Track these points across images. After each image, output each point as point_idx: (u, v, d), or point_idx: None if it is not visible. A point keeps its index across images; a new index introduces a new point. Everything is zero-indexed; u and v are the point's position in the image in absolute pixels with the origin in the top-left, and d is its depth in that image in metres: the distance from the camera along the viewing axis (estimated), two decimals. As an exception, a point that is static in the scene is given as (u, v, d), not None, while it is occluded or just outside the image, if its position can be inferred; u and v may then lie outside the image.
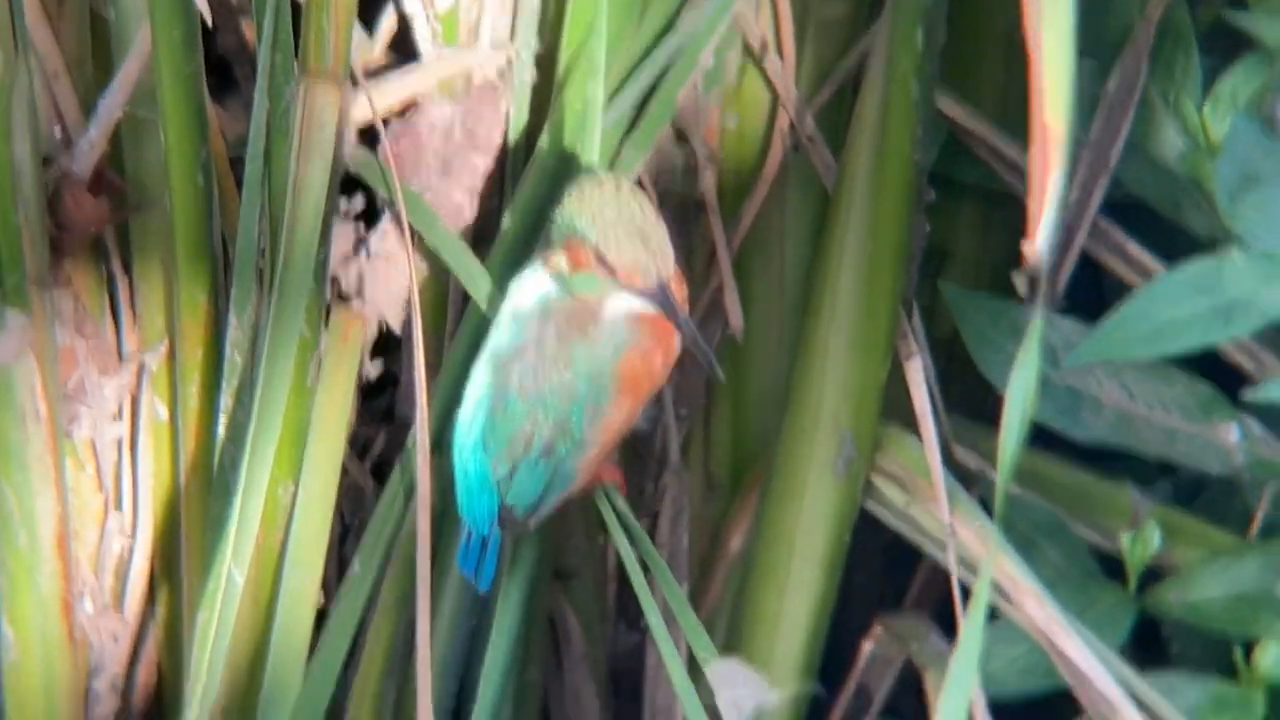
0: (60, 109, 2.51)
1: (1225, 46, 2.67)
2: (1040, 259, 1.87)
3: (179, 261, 2.47)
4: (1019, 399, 1.83)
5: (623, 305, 2.22)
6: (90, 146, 2.48)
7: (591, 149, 2.44)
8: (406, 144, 2.53)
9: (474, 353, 2.29)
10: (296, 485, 2.42)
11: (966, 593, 2.36)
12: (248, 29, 2.69)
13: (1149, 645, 2.65)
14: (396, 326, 2.56)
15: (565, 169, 2.45)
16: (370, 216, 2.57)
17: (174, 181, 2.44)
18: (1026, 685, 2.51)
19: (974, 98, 2.74)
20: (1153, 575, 2.56)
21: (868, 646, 2.65)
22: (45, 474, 2.48)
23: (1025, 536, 2.58)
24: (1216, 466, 2.58)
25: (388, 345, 2.59)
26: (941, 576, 2.67)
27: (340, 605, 2.40)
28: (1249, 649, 2.48)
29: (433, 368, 2.49)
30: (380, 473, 2.62)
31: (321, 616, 2.44)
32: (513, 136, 2.53)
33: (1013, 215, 2.46)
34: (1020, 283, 1.96)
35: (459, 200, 2.53)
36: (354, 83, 2.46)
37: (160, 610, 2.61)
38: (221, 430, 2.44)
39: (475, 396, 2.27)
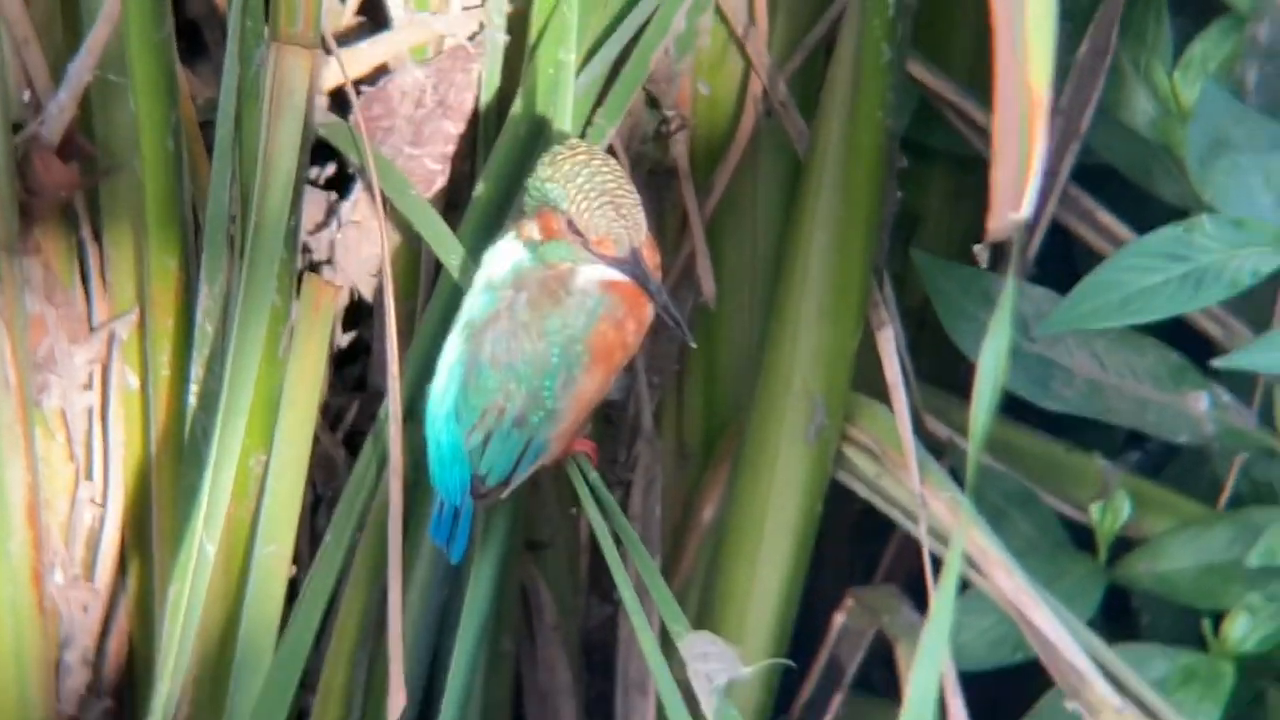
0: (29, 73, 2.49)
1: (1195, 12, 2.67)
2: (1010, 229, 1.87)
3: (149, 228, 2.45)
4: (991, 369, 1.83)
5: (595, 273, 2.21)
6: (60, 111, 2.46)
7: (563, 115, 2.43)
8: (378, 110, 2.52)
9: (446, 322, 2.28)
10: (268, 455, 2.42)
11: (938, 564, 2.38)
12: (218, -7, 2.68)
13: (1119, 617, 2.67)
14: (368, 295, 2.55)
15: (537, 135, 2.44)
16: (342, 184, 2.56)
17: (144, 147, 2.43)
18: (996, 657, 2.52)
19: (946, 63, 2.74)
20: (1123, 546, 2.57)
21: (839, 618, 2.66)
22: (15, 443, 2.46)
23: (996, 507, 2.59)
24: (1186, 436, 2.59)
25: (360, 314, 2.59)
26: (913, 548, 2.69)
27: (313, 576, 2.39)
28: (1218, 620, 2.50)
29: (405, 337, 2.48)
30: (352, 443, 2.61)
31: (294, 587, 2.44)
32: (484, 102, 2.52)
33: (984, 181, 2.45)
34: (982, 254, 1.96)
35: (431, 167, 2.52)
36: (325, 48, 2.44)
37: (131, 581, 2.60)
38: (193, 400, 2.43)
39: (448, 366, 2.26)
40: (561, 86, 2.43)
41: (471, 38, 2.53)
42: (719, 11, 2.59)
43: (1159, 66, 2.63)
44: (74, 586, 2.58)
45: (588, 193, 2.18)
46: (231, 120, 2.37)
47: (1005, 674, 2.53)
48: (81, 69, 2.45)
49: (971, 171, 2.81)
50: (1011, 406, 2.57)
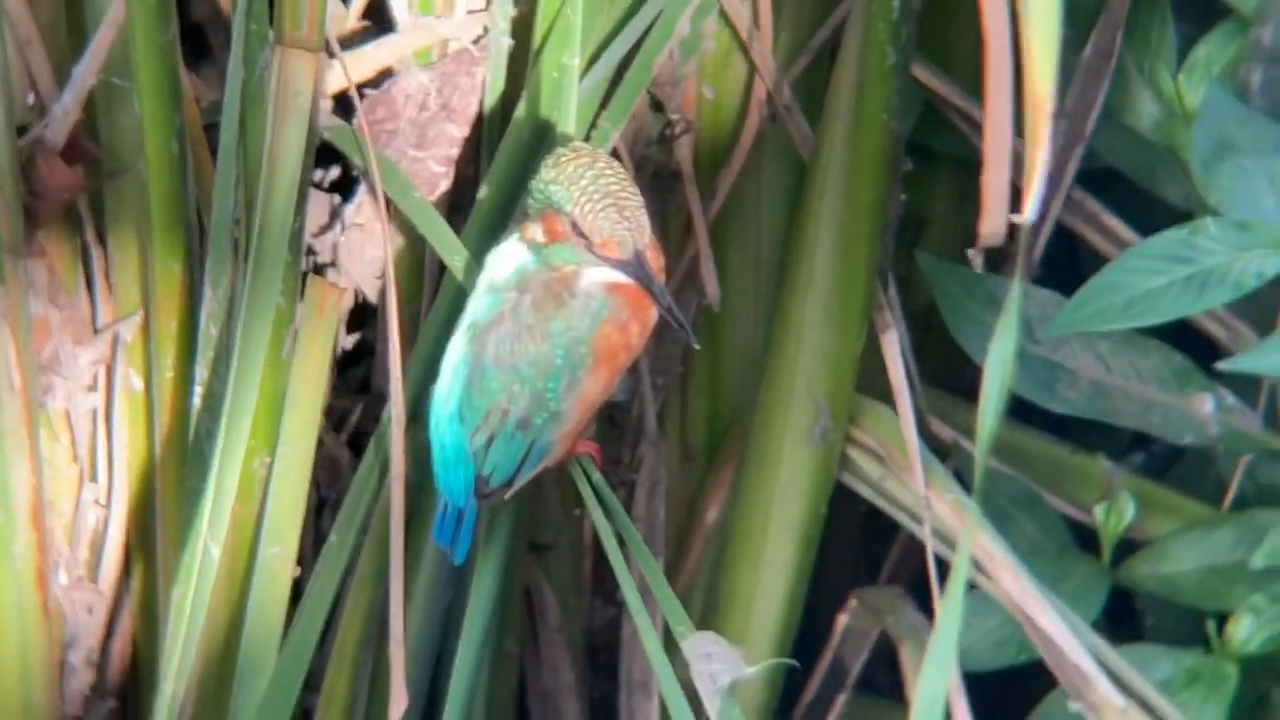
0: (34, 76, 2.50)
1: (1200, 15, 2.67)
2: (1003, 233, 1.87)
3: (153, 231, 2.46)
4: (997, 372, 1.83)
5: (599, 276, 2.22)
6: (64, 113, 2.47)
7: (567, 118, 2.43)
8: (382, 113, 2.52)
9: (450, 324, 2.28)
10: (272, 457, 2.42)
11: (942, 565, 2.38)
12: (222, -4, 2.68)
13: (1123, 618, 2.67)
14: (373, 297, 2.56)
15: (541, 138, 2.44)
16: (346, 187, 2.57)
17: (148, 149, 2.44)
18: (1001, 658, 2.52)
19: (950, 67, 2.74)
20: (1127, 547, 2.57)
21: (843, 619, 2.66)
22: (19, 445, 2.47)
23: (1001, 509, 2.59)
24: (1191, 438, 2.59)
25: (364, 316, 2.59)
26: (917, 549, 2.68)
27: (317, 577, 2.40)
28: (1222, 621, 2.49)
29: (409, 339, 2.48)
30: (356, 444, 2.62)
31: (298, 588, 2.44)
32: (488, 105, 2.52)
33: (990, 185, 2.46)
34: (976, 258, 1.96)
35: (435, 170, 2.52)
36: (329, 51, 2.45)
37: (135, 582, 2.61)
38: (197, 401, 2.43)
39: (451, 368, 2.26)
40: (565, 90, 2.43)
41: (476, 41, 2.53)
42: (723, 15, 2.60)
43: (1163, 70, 2.63)
44: (78, 588, 2.58)
45: (591, 195, 2.18)
46: (236, 123, 2.37)
47: (1009, 675, 2.53)
48: (86, 72, 2.46)
49: (976, 174, 2.79)
50: (1016, 409, 2.57)
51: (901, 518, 2.53)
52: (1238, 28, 2.62)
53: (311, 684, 2.44)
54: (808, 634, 2.65)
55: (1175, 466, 2.77)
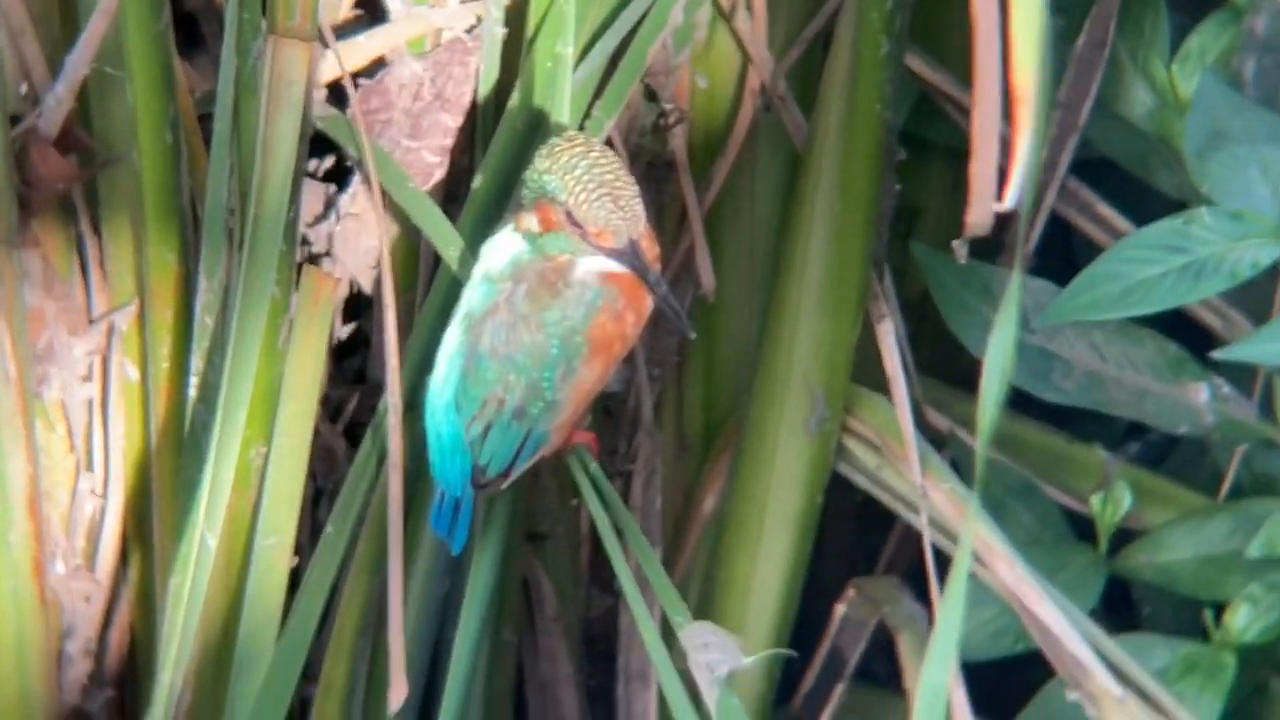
0: (27, 65, 2.49)
1: (1193, 4, 2.67)
2: (987, 223, 1.87)
3: (148, 221, 2.45)
4: (997, 364, 1.83)
5: (594, 265, 2.21)
6: (57, 103, 2.46)
7: (561, 107, 2.43)
8: (375, 102, 2.52)
9: (446, 314, 2.28)
10: (268, 447, 2.42)
11: (939, 555, 2.38)
12: (216, -15, 2.67)
13: (1120, 607, 2.67)
14: (368, 287, 2.55)
15: (535, 128, 2.44)
16: (340, 176, 2.56)
17: (142, 139, 2.43)
18: (998, 648, 2.53)
19: (944, 57, 2.74)
20: (1124, 537, 2.58)
21: (840, 609, 2.66)
22: (15, 435, 2.46)
23: (997, 499, 2.59)
24: (1186, 427, 2.59)
25: (359, 306, 2.58)
26: (913, 539, 2.69)
27: (314, 567, 2.39)
28: (1219, 610, 2.50)
29: (404, 329, 2.48)
30: (353, 434, 2.61)
31: (295, 578, 2.44)
32: (482, 95, 2.52)
33: (984, 175, 2.46)
34: (960, 249, 1.97)
35: (429, 159, 2.52)
36: (322, 41, 2.44)
37: (132, 572, 2.60)
38: (193, 391, 2.43)
39: (447, 357, 2.26)
40: (559, 79, 2.43)
41: (469, 31, 2.53)
42: (716, 5, 2.59)
43: (1157, 59, 2.64)
44: (75, 577, 2.58)
45: (586, 184, 2.18)
46: (229, 113, 2.37)
47: (1007, 664, 2.53)
48: (79, 61, 2.45)
49: (970, 164, 2.80)
50: (1011, 398, 2.56)
51: (898, 507, 2.53)
52: (1231, 17, 2.63)
53: (309, 673, 2.43)
54: (805, 623, 2.65)
55: (1171, 456, 2.78)
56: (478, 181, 2.45)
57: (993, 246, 2.69)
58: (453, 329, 2.26)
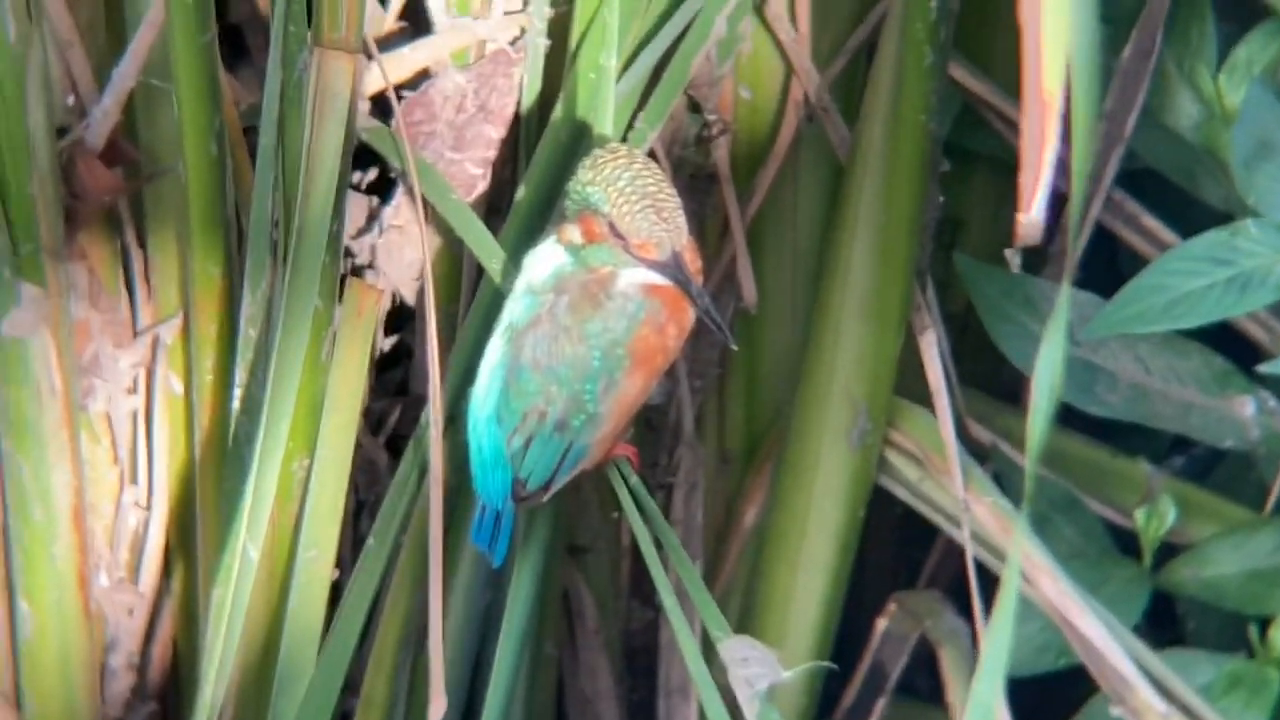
0: (74, 78, 2.50)
1: (1241, 14, 2.66)
2: (1035, 232, 1.86)
3: (193, 233, 2.46)
4: (1046, 378, 1.82)
5: (636, 277, 2.21)
6: (104, 115, 2.47)
7: (605, 119, 2.43)
8: (419, 114, 2.52)
9: (488, 326, 2.28)
10: (311, 459, 2.42)
11: (981, 569, 2.37)
12: (261, -2, 2.69)
13: (1164, 622, 2.66)
14: (411, 299, 2.56)
15: (578, 140, 2.44)
16: (384, 188, 2.57)
17: (187, 151, 2.44)
18: (1041, 663, 2.52)
19: (988, 67, 2.73)
20: (1168, 551, 2.56)
21: (882, 623, 2.65)
22: (60, 448, 2.48)
23: (1040, 512, 2.58)
24: (1232, 440, 2.58)
25: (402, 318, 2.59)
26: (956, 553, 2.68)
27: (356, 580, 2.40)
28: (1264, 626, 2.48)
29: (447, 341, 2.48)
30: (395, 447, 2.62)
31: (336, 591, 2.44)
32: (526, 106, 2.52)
33: (1027, 186, 2.45)
34: (1013, 258, 1.95)
35: (472, 171, 2.53)
36: (367, 53, 2.45)
37: (176, 584, 2.61)
38: (236, 404, 2.44)
39: (489, 370, 2.26)
40: (603, 91, 2.43)
41: (513, 42, 2.53)
42: (760, 16, 2.59)
43: (1203, 70, 2.62)
44: (119, 590, 2.59)
45: (629, 196, 2.18)
46: (275, 125, 2.38)
47: (1050, 679, 2.52)
48: (125, 74, 2.46)
49: (1014, 175, 2.79)
50: (1055, 411, 2.56)
51: (940, 521, 2.53)
52: (1278, 27, 2.61)
53: (350, 686, 2.44)
54: (846, 638, 2.64)
55: (1216, 470, 2.76)
56: (521, 193, 2.45)
57: (1036, 258, 2.69)
58: (495, 341, 2.26)
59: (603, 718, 2.71)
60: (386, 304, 2.55)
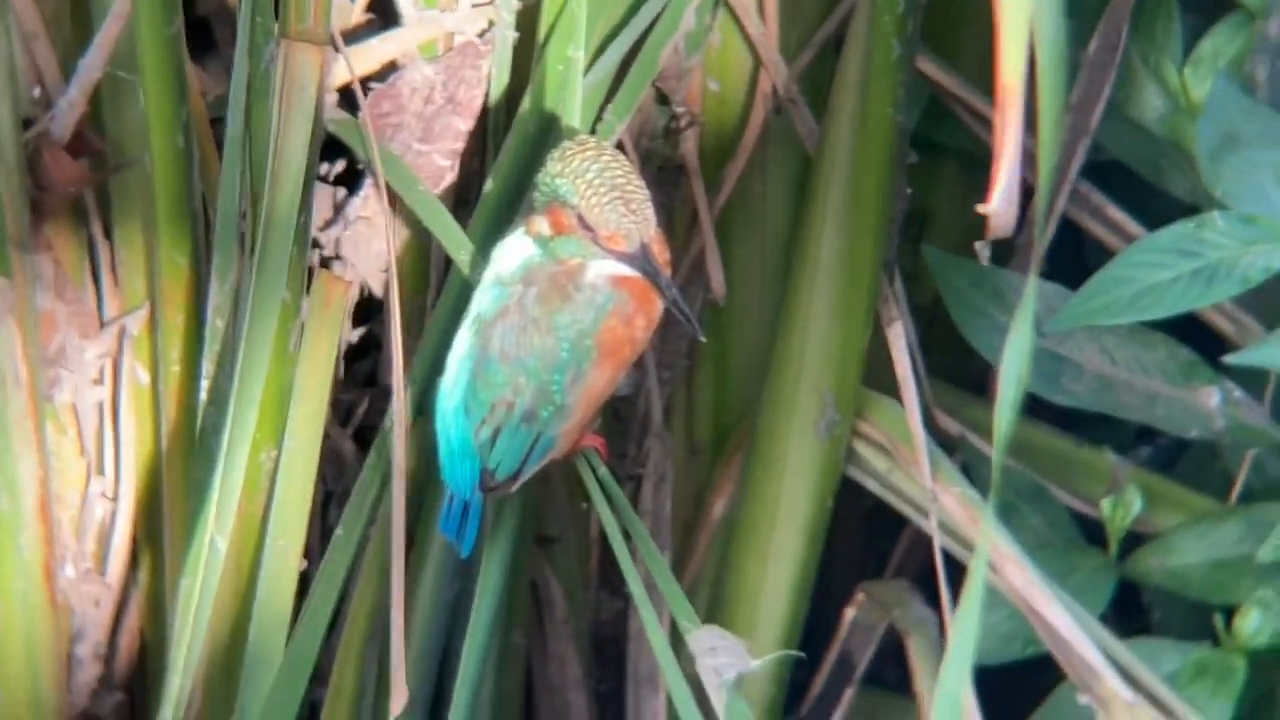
0: (39, 69, 2.50)
1: (1206, 7, 2.67)
2: (1007, 224, 1.86)
3: (159, 224, 2.46)
4: (1014, 369, 1.83)
5: (605, 269, 2.21)
6: (70, 107, 2.47)
7: (573, 111, 2.43)
8: (387, 106, 2.52)
9: (456, 317, 2.28)
10: (279, 451, 2.42)
11: (949, 559, 2.38)
12: (228, -11, 2.68)
13: (1130, 611, 2.67)
14: (379, 291, 2.55)
15: (547, 131, 2.44)
16: (352, 180, 2.56)
17: (154, 143, 2.43)
18: (1008, 652, 2.52)
19: (956, 60, 2.74)
20: (1134, 541, 2.57)
21: (850, 613, 2.65)
22: (26, 438, 2.47)
23: (1007, 502, 2.59)
24: (1197, 431, 2.59)
25: (370, 310, 2.59)
26: (924, 542, 2.68)
27: (323, 570, 2.39)
28: (1229, 615, 2.49)
29: (415, 332, 2.48)
30: (363, 438, 2.62)
31: (304, 582, 2.44)
32: (494, 98, 2.52)
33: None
34: (982, 251, 1.96)
35: (440, 163, 2.52)
36: (334, 45, 2.44)
37: (143, 575, 2.61)
38: (203, 395, 2.43)
39: (457, 361, 2.26)
40: (570, 83, 2.43)
41: (481, 34, 2.53)
42: (729, 8, 2.59)
43: (1169, 63, 2.63)
44: (85, 580, 2.58)
45: (597, 188, 2.18)
46: (241, 117, 2.37)
47: (1017, 668, 2.53)
48: (91, 65, 2.46)
49: (982, 168, 2.78)
50: (1022, 402, 2.57)
51: (908, 511, 2.53)
52: (1244, 20, 2.62)
53: (319, 677, 2.44)
54: (814, 628, 2.65)
55: (1181, 460, 2.77)
56: (489, 185, 2.45)
57: (1004, 250, 2.69)
58: (463, 332, 2.26)
59: (571, 708, 2.71)
60: (355, 295, 2.54)
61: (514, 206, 2.43)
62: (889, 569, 2.86)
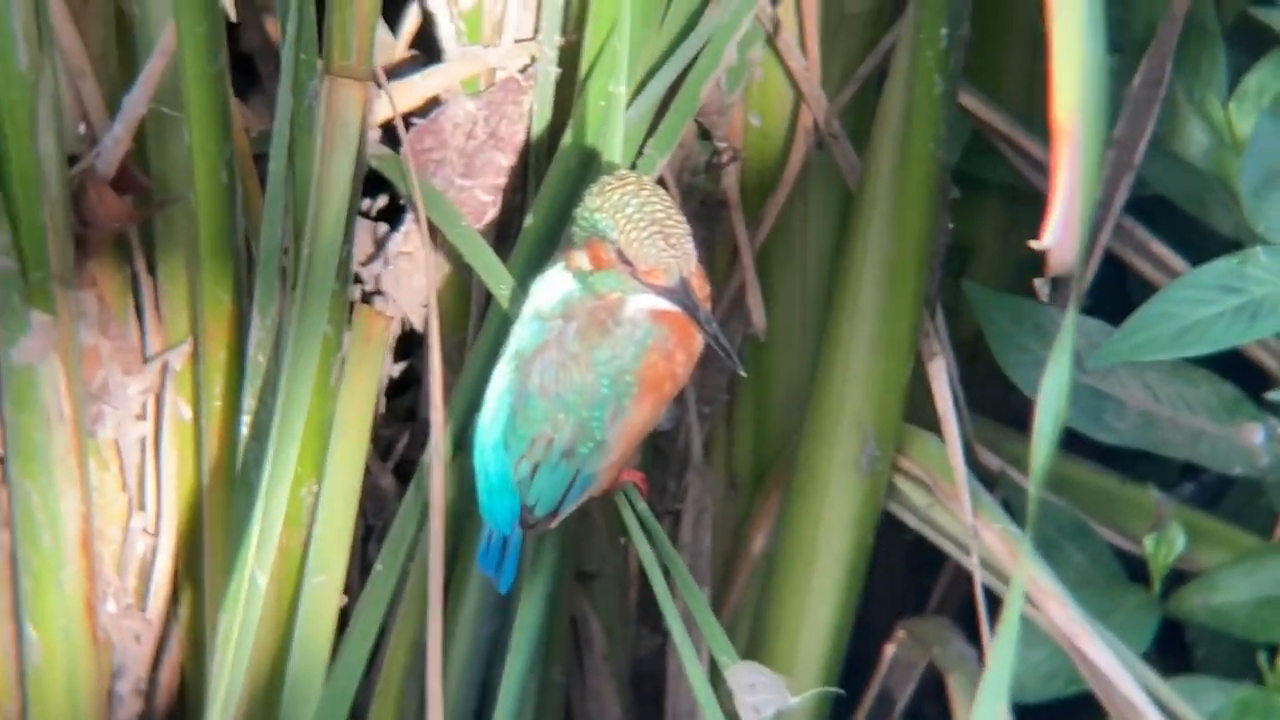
0: (85, 106, 2.51)
1: (1251, 43, 2.66)
2: (1062, 259, 1.85)
3: (202, 260, 2.47)
4: (1051, 404, 1.82)
5: (644, 303, 2.21)
6: (115, 143, 2.48)
7: (614, 146, 2.43)
8: (429, 142, 2.53)
9: (496, 352, 2.28)
10: (319, 486, 2.42)
11: (990, 596, 2.37)
12: (271, 26, 2.69)
13: (1173, 649, 2.65)
14: (420, 326, 2.56)
15: (587, 166, 2.44)
16: (394, 215, 2.57)
17: (198, 179, 2.44)
18: (1050, 690, 2.51)
19: (998, 94, 2.74)
20: (1177, 578, 2.56)
21: (890, 650, 2.65)
22: (69, 474, 2.48)
23: (1049, 539, 2.58)
24: (1241, 468, 2.57)
25: (411, 345, 2.59)
26: (964, 579, 2.68)
27: (363, 606, 2.40)
28: (1274, 653, 2.48)
29: (455, 367, 2.48)
30: (403, 473, 2.62)
31: (344, 617, 2.44)
32: (535, 134, 2.53)
33: (1037, 213, 2.44)
34: (1042, 288, 1.95)
35: (482, 198, 2.53)
36: (377, 81, 2.45)
37: (183, 611, 2.61)
38: (245, 430, 2.44)
39: (496, 396, 2.26)
40: (612, 118, 2.43)
41: (523, 70, 2.54)
42: (771, 44, 2.59)
43: (1214, 98, 2.62)
44: (127, 616, 2.59)
45: (637, 222, 2.17)
46: (285, 153, 2.38)
47: (1059, 706, 2.51)
48: (136, 101, 2.47)
49: (1024, 203, 2.80)
50: (1064, 438, 2.54)
51: (949, 547, 2.52)
52: (1289, 56, 2.62)
53: (358, 712, 2.44)
54: (854, 665, 2.64)
55: (1225, 497, 2.76)
56: (530, 220, 2.46)
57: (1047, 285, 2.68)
58: (502, 367, 2.26)
59: (610, 744, 2.71)
60: (396, 330, 2.55)
61: (554, 241, 2.44)
62: (930, 606, 2.85)
